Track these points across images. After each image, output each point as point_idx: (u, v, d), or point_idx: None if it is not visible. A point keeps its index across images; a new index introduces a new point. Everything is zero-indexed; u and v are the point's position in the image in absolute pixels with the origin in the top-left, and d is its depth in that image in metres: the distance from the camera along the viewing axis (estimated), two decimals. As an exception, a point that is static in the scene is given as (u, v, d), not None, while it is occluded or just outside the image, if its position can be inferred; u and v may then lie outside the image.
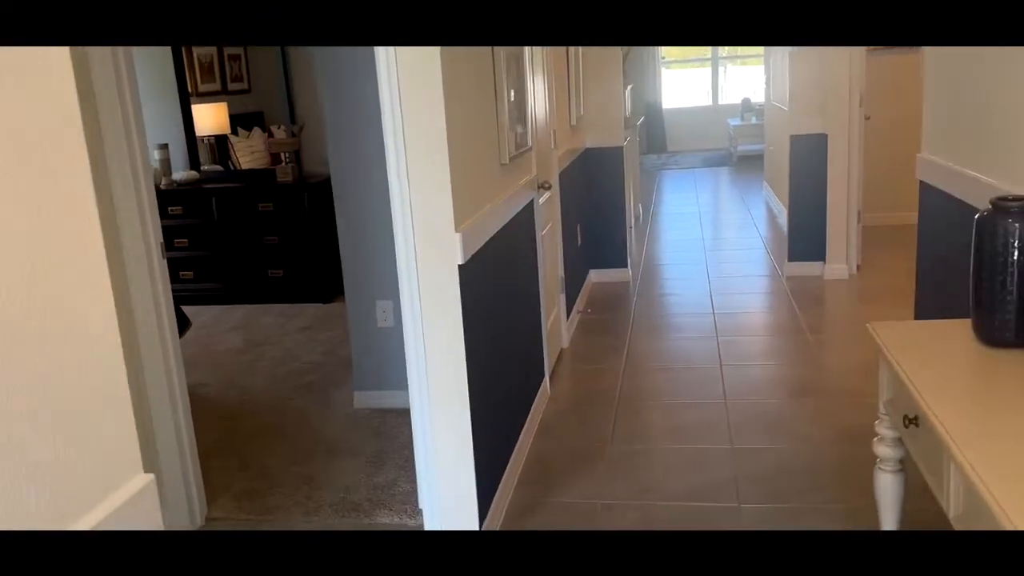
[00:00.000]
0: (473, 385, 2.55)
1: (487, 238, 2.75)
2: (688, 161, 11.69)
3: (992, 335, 1.80)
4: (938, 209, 2.95)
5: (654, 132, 12.82)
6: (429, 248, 2.38)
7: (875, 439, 2.07)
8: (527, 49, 3.43)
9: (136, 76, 2.62)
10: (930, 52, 3.07)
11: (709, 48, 12.96)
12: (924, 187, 3.12)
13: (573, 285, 5.05)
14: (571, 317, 4.74)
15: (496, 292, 2.97)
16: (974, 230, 1.81)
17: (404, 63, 2.29)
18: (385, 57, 2.31)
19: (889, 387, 1.94)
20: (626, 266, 5.73)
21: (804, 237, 5.38)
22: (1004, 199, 1.79)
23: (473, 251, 2.54)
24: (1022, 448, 1.40)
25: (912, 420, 1.70)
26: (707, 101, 13.00)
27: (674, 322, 4.86)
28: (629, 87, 12.21)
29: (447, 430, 2.53)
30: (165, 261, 2.79)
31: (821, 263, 5.34)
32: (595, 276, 5.71)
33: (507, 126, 3.02)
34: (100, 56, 2.50)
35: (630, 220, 7.28)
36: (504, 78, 2.98)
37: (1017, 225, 1.74)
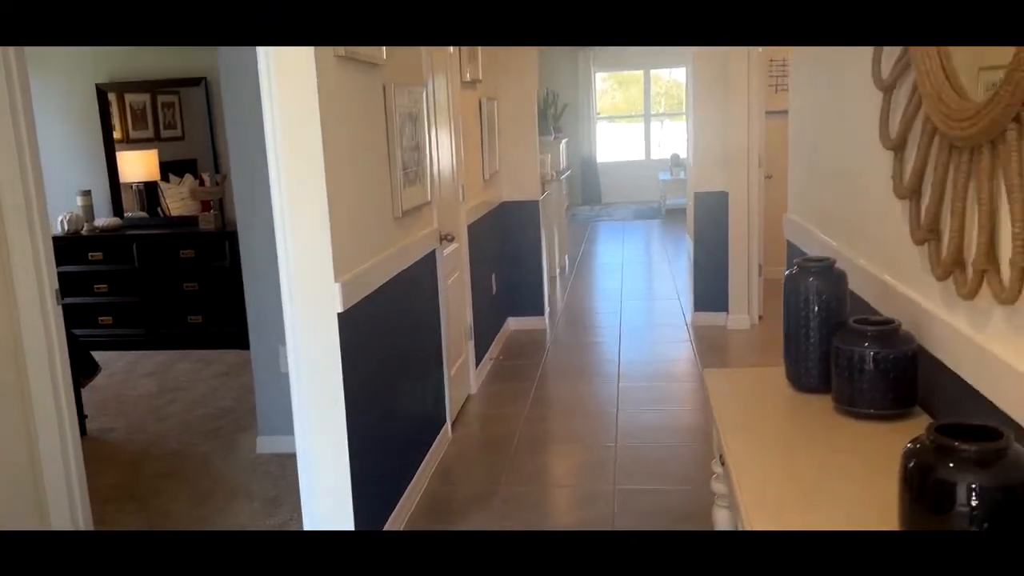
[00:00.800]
0: (355, 429, 2.67)
1: (375, 287, 2.90)
2: (620, 213, 12.04)
3: (799, 381, 2.00)
4: (799, 265, 3.19)
5: (589, 184, 13.19)
6: (309, 297, 2.52)
7: (712, 476, 2.25)
8: (425, 107, 3.62)
9: (35, 123, 2.73)
10: (793, 118, 3.34)
11: (642, 104, 13.45)
12: (789, 245, 3.37)
13: (488, 332, 5.20)
14: (482, 363, 4.89)
15: (386, 339, 3.11)
16: (783, 287, 2.02)
17: (286, 120, 2.45)
18: (271, 112, 2.47)
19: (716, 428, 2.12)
20: (543, 314, 5.91)
21: (708, 289, 5.64)
22: (807, 260, 2.01)
23: (356, 300, 2.68)
24: (788, 483, 1.58)
25: (723, 458, 1.88)
26: (640, 156, 13.44)
27: (581, 369, 5.04)
28: (564, 141, 12.59)
29: (328, 472, 2.64)
30: (60, 307, 2.87)
31: (725, 313, 5.60)
32: (513, 324, 5.88)
33: (400, 182, 3.19)
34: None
35: (554, 269, 7.50)
36: (397, 137, 3.16)
37: (816, 283, 1.95)
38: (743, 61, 5.29)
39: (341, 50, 2.59)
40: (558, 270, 7.72)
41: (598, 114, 13.36)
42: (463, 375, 4.40)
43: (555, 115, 12.56)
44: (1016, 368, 1.38)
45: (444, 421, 3.93)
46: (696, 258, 5.71)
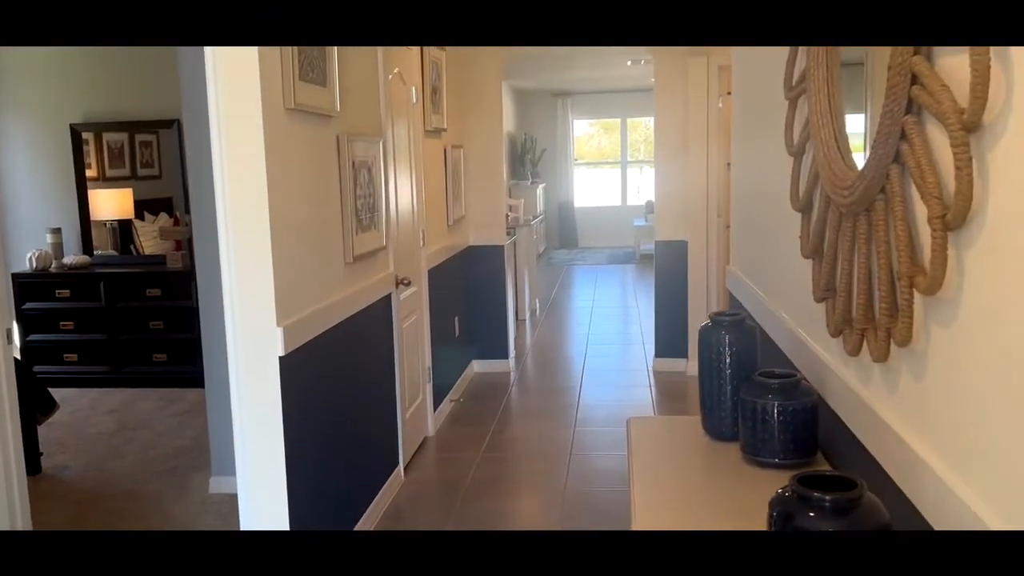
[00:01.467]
0: (295, 470, 2.72)
1: (322, 330, 2.96)
2: (595, 257, 12.18)
3: (714, 430, 2.08)
4: (739, 315, 3.28)
5: (566, 228, 13.36)
6: (251, 340, 2.59)
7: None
8: (382, 157, 3.73)
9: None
10: (732, 171, 3.47)
11: (619, 151, 13.69)
12: (731, 296, 3.47)
13: (450, 375, 5.26)
14: (441, 406, 4.94)
15: (334, 382, 3.16)
16: (697, 340, 2.11)
17: (233, 168, 2.54)
18: (219, 160, 2.55)
19: (637, 475, 2.19)
20: (507, 357, 5.98)
21: (669, 335, 5.73)
22: (720, 314, 2.10)
23: (300, 343, 2.75)
24: (680, 526, 1.65)
25: (637, 504, 1.95)
26: (616, 201, 13.64)
27: (540, 412, 5.10)
28: (541, 185, 12.75)
29: (266, 511, 2.68)
30: (11, 346, 2.92)
31: (684, 360, 5.68)
32: (478, 366, 5.94)
33: (352, 229, 3.28)
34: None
35: (524, 312, 7.59)
36: (350, 186, 3.26)
37: (727, 336, 2.04)
38: (703, 112, 5.45)
39: (291, 103, 2.69)
40: (528, 313, 7.81)
41: (576, 160, 13.58)
42: (419, 417, 4.45)
43: (533, 160, 12.78)
44: (886, 422, 1.47)
45: (397, 463, 3.97)
46: (658, 305, 5.81)
